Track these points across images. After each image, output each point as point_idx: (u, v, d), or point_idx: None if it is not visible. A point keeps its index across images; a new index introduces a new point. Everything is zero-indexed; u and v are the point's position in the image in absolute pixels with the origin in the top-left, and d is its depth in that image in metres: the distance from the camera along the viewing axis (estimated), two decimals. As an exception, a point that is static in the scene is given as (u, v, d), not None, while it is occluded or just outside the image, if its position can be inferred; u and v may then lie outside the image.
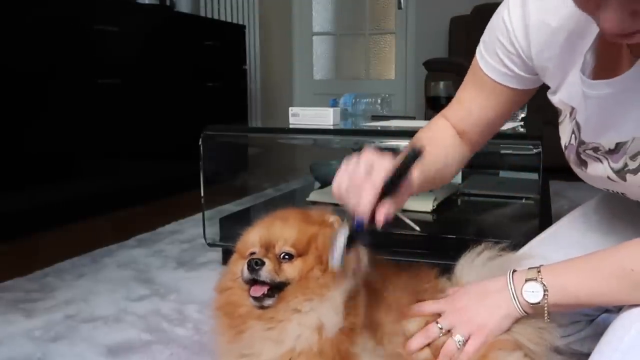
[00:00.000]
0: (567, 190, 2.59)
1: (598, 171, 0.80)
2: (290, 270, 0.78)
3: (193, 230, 2.07)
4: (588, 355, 0.76)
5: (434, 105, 2.20)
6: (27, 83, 2.06)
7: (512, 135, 1.50)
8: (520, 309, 0.79)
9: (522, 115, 1.70)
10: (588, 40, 0.77)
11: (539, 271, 0.79)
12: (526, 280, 0.78)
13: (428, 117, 2.23)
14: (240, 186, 2.84)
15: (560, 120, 0.89)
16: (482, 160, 2.37)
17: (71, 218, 2.20)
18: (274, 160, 3.51)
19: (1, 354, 1.16)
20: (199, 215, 1.73)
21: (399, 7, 4.34)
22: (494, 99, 0.93)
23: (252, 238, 0.83)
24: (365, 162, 0.75)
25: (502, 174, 2.32)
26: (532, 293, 0.78)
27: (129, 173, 2.56)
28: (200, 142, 1.63)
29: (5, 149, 1.99)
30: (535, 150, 1.36)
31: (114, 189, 2.46)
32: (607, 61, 0.75)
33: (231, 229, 1.72)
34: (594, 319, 0.98)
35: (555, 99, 0.88)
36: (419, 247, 1.45)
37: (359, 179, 0.73)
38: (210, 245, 1.70)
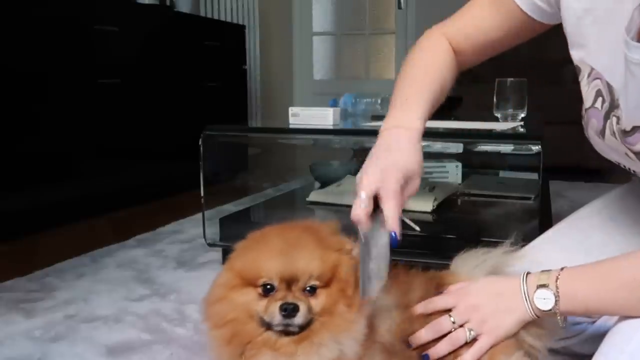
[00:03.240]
0: (567, 190, 2.59)
1: (618, 145, 0.78)
2: (317, 305, 0.73)
3: (193, 230, 2.07)
4: (589, 357, 0.76)
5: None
6: (27, 83, 2.06)
7: (512, 135, 1.50)
8: (532, 313, 0.78)
9: (522, 115, 1.70)
10: None
11: (552, 277, 0.76)
12: (538, 287, 0.77)
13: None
14: (240, 186, 2.84)
15: (580, 78, 0.85)
16: (482, 160, 2.38)
17: (71, 218, 2.20)
18: (274, 160, 3.52)
19: (1, 354, 1.16)
20: (199, 215, 1.73)
21: (399, 7, 4.34)
22: (510, 24, 0.90)
23: (268, 267, 0.73)
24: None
25: (502, 174, 2.32)
26: (544, 300, 0.76)
27: (129, 173, 2.56)
28: (200, 142, 1.63)
29: (6, 149, 1.99)
30: (535, 150, 1.35)
31: (114, 189, 2.45)
32: None
33: (231, 229, 1.72)
34: (595, 321, 0.98)
35: (580, 53, 0.83)
36: (419, 247, 1.45)
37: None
38: (210, 245, 1.70)
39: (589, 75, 0.81)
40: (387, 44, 4.62)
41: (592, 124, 0.83)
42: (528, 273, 0.80)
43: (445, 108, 2.26)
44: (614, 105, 0.77)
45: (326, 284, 0.74)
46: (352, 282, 0.75)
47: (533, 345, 0.82)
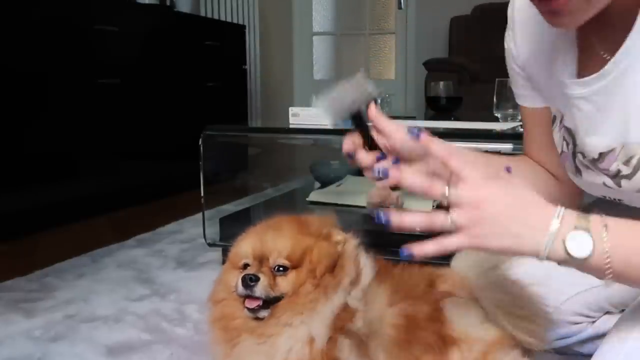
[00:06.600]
0: (567, 191, 2.59)
1: (594, 178, 0.76)
2: (285, 284, 0.78)
3: (193, 230, 2.07)
4: (588, 356, 0.76)
5: (434, 105, 2.21)
6: (27, 83, 2.06)
7: (512, 135, 1.49)
8: (546, 254, 0.60)
9: (522, 115, 1.70)
10: (566, 38, 0.74)
11: (596, 224, 0.61)
12: (575, 227, 0.60)
13: (428, 117, 2.23)
14: (240, 186, 2.84)
15: (552, 127, 0.85)
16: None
17: (71, 218, 2.20)
18: (274, 160, 3.51)
19: (1, 354, 1.16)
20: (199, 215, 1.73)
21: (399, 7, 4.34)
22: (541, 123, 0.88)
23: (245, 249, 0.81)
24: None
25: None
26: (577, 244, 0.59)
27: (129, 173, 2.56)
28: (200, 142, 1.63)
29: (5, 149, 1.99)
30: (535, 151, 1.35)
31: (114, 189, 2.45)
32: (585, 60, 0.72)
33: (231, 229, 1.72)
34: (595, 321, 0.98)
35: (548, 103, 0.85)
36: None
37: None
38: (210, 245, 1.70)
39: (560, 122, 0.82)
40: (387, 44, 4.62)
41: (568, 167, 0.83)
42: (565, 209, 0.62)
43: (445, 108, 2.27)
44: (575, 144, 0.78)
45: (297, 265, 0.78)
46: (323, 265, 0.78)
47: (524, 341, 0.82)
